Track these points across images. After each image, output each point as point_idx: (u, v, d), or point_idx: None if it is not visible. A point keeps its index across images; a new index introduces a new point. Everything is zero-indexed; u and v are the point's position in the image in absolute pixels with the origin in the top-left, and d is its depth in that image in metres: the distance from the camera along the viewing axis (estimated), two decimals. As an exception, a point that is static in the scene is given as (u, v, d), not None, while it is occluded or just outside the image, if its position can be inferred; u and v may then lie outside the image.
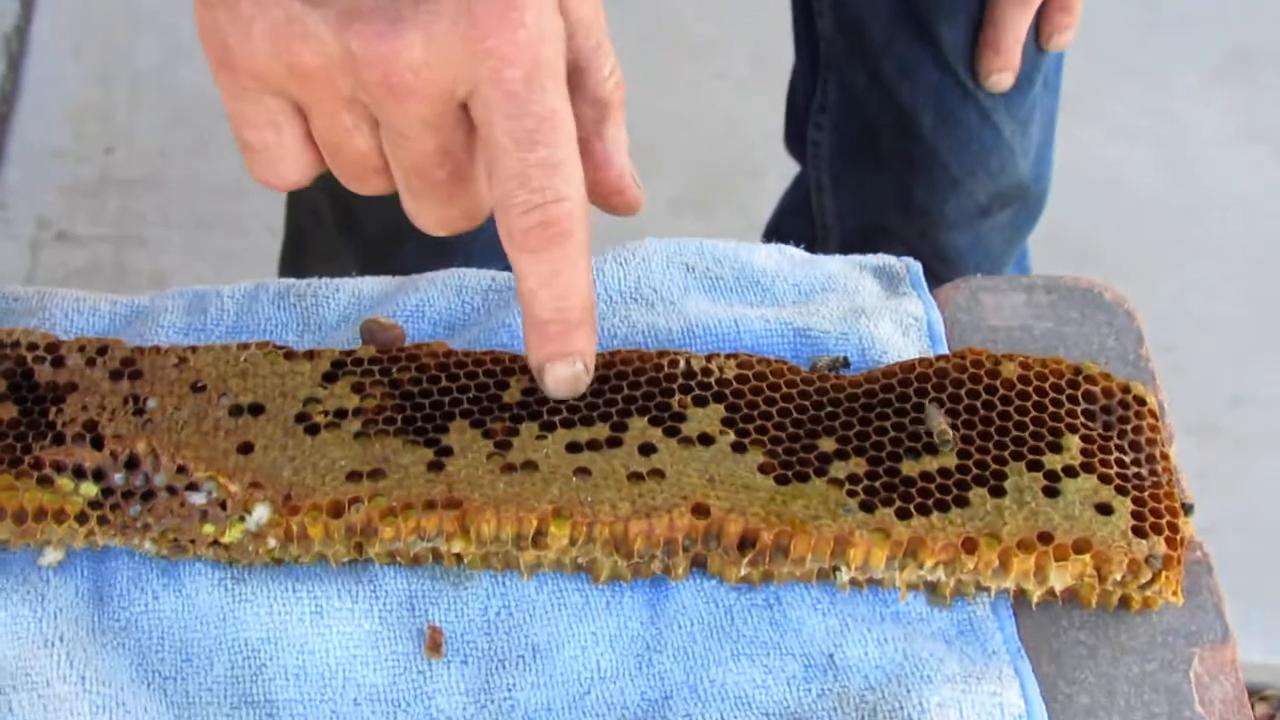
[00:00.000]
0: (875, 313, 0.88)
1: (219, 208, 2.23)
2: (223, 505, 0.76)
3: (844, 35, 1.28)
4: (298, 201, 1.49)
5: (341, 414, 0.80)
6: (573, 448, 0.79)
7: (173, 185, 2.26)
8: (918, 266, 0.92)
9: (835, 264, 0.92)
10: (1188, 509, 0.80)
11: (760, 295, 0.89)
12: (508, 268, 0.90)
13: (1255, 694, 1.84)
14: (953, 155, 1.25)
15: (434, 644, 0.75)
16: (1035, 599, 0.77)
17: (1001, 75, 1.19)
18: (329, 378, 0.82)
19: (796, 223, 1.57)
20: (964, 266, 1.36)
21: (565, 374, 0.77)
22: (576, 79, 0.73)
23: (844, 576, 0.77)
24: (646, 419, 0.80)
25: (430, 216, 0.74)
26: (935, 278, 0.92)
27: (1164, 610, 0.79)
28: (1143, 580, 0.77)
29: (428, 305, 0.88)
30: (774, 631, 0.76)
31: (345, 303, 0.89)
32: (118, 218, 2.18)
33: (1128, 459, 0.80)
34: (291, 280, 0.90)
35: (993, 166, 1.26)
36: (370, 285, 0.90)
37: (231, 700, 0.74)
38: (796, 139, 1.48)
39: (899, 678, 0.75)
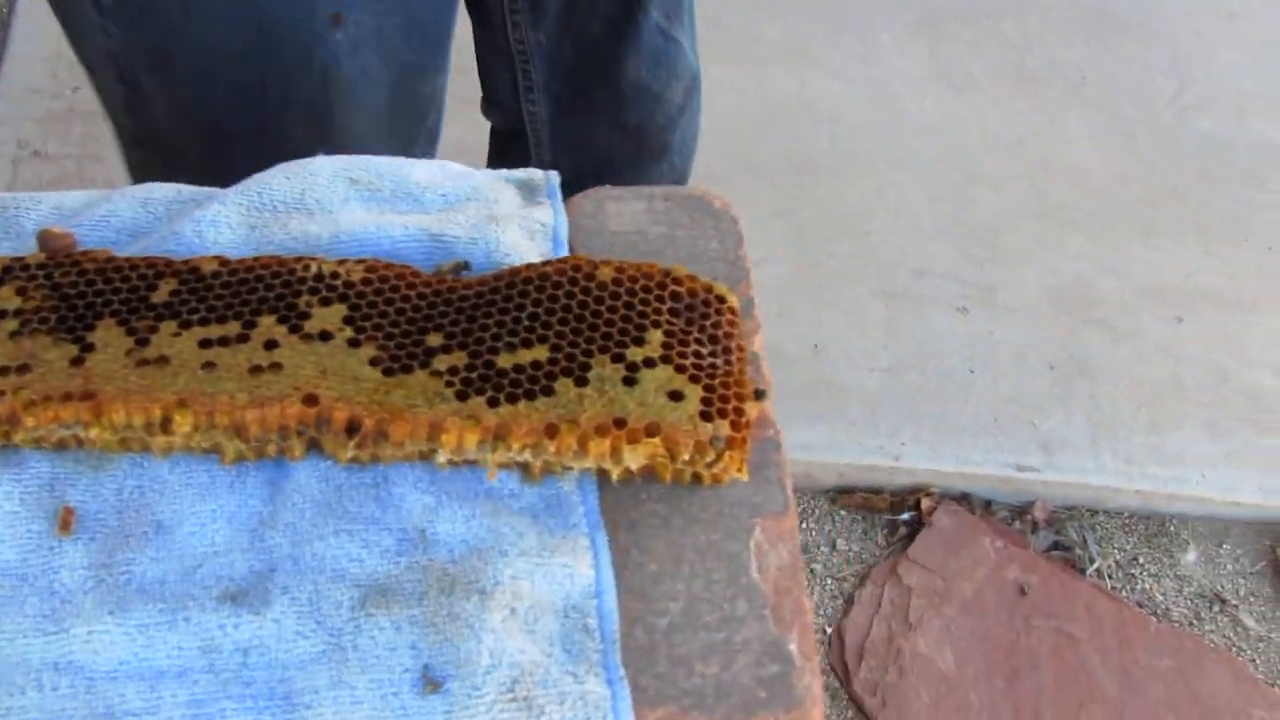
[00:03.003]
0: (506, 220, 0.68)
1: (159, 132, 1.99)
2: (-121, 398, 0.57)
3: (529, 10, 1.04)
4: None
5: (2, 314, 0.60)
6: (204, 344, 0.60)
7: (123, 115, 2.01)
8: (556, 177, 0.72)
9: (483, 177, 0.72)
10: (760, 394, 0.62)
11: (411, 205, 0.69)
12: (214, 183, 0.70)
13: (922, 490, 1.68)
14: (652, 76, 1.06)
15: (64, 523, 0.56)
16: (615, 476, 0.59)
17: None
18: (-4, 282, 0.62)
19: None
20: (686, 152, 1.18)
21: None
22: None
23: (441, 457, 0.58)
24: (275, 318, 0.61)
25: None
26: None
27: (733, 485, 0.60)
28: (708, 459, 0.59)
29: (114, 215, 0.67)
30: (378, 508, 0.57)
31: (45, 214, 0.68)
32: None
33: (705, 350, 0.61)
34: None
35: (679, 70, 1.08)
36: (71, 198, 0.69)
37: None
38: (506, 112, 1.15)
39: (480, 552, 0.56)
